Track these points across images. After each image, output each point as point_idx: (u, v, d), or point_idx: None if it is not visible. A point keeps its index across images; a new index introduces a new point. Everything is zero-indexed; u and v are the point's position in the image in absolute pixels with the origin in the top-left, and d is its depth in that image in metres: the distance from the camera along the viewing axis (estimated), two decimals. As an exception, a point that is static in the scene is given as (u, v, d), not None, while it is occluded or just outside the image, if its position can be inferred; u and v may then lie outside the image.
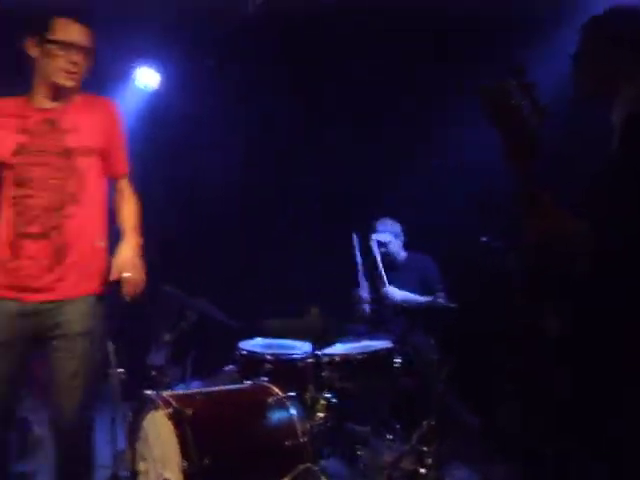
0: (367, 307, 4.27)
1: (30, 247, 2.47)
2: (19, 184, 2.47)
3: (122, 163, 2.73)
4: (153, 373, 3.48)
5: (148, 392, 3.05)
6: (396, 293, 4.25)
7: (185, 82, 5.21)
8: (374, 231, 4.47)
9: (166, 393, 3.04)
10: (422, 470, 3.29)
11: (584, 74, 1.94)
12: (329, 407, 3.29)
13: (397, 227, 4.53)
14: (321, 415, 3.27)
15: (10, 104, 2.55)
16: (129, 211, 2.71)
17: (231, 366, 3.80)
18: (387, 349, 3.65)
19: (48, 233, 2.47)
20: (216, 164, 5.13)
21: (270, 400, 3.07)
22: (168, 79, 5.23)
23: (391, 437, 3.53)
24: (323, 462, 3.14)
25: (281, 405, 3.07)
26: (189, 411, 2.83)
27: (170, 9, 4.62)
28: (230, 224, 5.14)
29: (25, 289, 2.49)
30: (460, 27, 4.40)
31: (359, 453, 3.43)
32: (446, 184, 4.64)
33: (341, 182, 5.03)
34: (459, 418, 3.89)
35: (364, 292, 4.28)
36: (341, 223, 4.58)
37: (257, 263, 5.16)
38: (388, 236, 4.44)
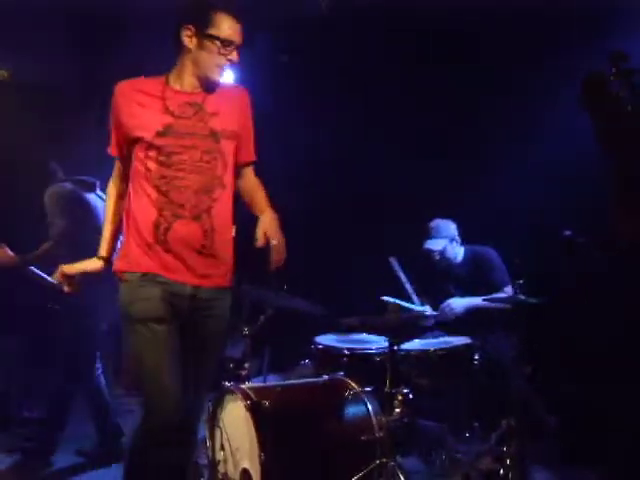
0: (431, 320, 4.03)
1: (180, 229, 2.40)
2: (166, 165, 2.42)
3: (252, 150, 2.68)
4: (231, 366, 3.54)
5: (227, 384, 3.11)
6: (457, 306, 4.03)
7: (259, 78, 5.27)
8: (428, 236, 4.25)
9: (245, 385, 3.10)
10: (500, 471, 3.24)
11: None
12: (405, 403, 3.26)
13: (450, 228, 4.27)
14: (397, 411, 3.25)
15: (152, 84, 2.51)
16: (263, 194, 2.66)
17: (307, 361, 3.82)
18: (466, 345, 3.59)
19: (200, 216, 2.42)
20: (288, 159, 5.17)
21: (347, 394, 3.08)
22: (242, 75, 5.30)
23: (469, 435, 3.48)
24: (399, 458, 3.11)
25: (358, 399, 3.08)
26: (267, 403, 2.88)
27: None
28: (306, 220, 5.15)
29: (176, 271, 2.41)
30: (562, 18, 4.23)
31: (436, 450, 3.40)
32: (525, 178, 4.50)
33: (413, 180, 4.97)
34: (539, 418, 3.79)
35: (419, 307, 4.06)
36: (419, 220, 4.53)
37: (335, 260, 5.15)
38: (441, 242, 4.20)
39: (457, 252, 4.28)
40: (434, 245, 4.21)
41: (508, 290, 3.96)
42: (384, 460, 2.99)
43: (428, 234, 4.27)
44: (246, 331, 3.49)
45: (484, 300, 3.86)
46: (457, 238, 4.28)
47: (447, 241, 4.22)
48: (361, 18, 4.67)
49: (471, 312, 4.01)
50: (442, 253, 4.21)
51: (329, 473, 2.93)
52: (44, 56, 4.86)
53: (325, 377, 3.31)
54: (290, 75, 5.25)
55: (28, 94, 5.07)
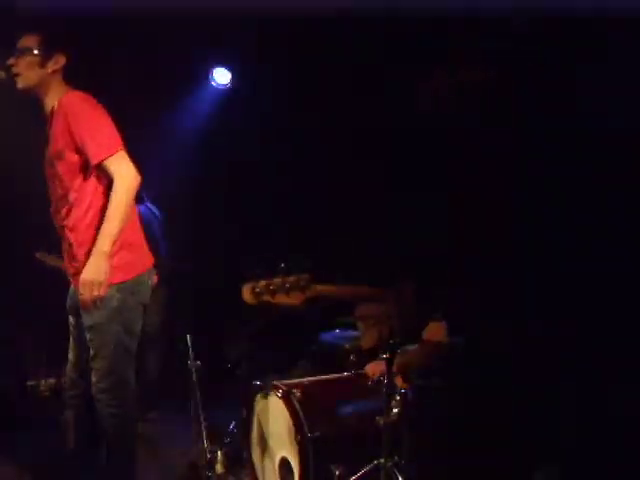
0: None
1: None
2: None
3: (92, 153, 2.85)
4: (229, 366, 3.55)
5: (257, 382, 3.28)
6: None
7: (256, 79, 5.28)
8: None
9: (274, 382, 3.24)
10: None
11: None
12: (404, 403, 3.26)
13: None
14: (396, 411, 3.24)
15: None
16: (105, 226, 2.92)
17: (304, 361, 3.83)
18: (462, 344, 3.57)
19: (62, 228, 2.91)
20: (286, 157, 5.18)
21: (369, 385, 3.23)
22: (240, 76, 5.33)
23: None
24: (396, 458, 3.11)
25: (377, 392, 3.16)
26: (298, 392, 3.08)
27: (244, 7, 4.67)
28: (303, 214, 5.14)
29: None
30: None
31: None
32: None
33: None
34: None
35: None
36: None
37: (333, 258, 5.14)
38: None
39: None
40: None
41: None
42: (382, 461, 2.99)
43: None
44: (244, 332, 3.50)
45: None
46: None
47: None
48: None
49: None
50: None
51: (359, 454, 3.01)
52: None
53: (346, 373, 3.47)
54: (286, 75, 5.25)
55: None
